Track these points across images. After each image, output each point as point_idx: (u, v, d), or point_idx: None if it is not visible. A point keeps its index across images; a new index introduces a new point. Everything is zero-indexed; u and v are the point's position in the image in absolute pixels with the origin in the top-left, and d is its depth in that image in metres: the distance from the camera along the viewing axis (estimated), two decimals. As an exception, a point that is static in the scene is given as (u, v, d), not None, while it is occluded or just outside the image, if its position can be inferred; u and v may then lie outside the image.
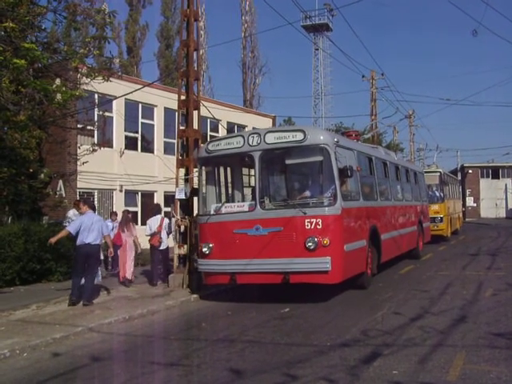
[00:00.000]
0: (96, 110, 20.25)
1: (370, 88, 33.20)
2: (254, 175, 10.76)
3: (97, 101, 21.06)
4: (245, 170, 13.03)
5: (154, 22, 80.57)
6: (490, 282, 12.10)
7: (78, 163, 18.78)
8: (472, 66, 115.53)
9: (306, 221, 10.04)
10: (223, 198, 11.95)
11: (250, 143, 10.62)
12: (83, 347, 7.81)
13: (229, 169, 12.36)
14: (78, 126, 18.03)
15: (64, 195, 19.81)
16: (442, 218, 23.85)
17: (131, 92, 15.06)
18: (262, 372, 6.09)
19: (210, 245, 10.77)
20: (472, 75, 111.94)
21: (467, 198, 59.31)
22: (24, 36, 11.84)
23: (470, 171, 62.29)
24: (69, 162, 19.46)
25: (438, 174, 25.17)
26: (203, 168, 11.56)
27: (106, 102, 20.69)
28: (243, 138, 10.78)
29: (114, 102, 21.41)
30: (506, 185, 62.17)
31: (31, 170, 17.38)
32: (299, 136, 10.33)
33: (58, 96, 12.75)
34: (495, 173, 63.25)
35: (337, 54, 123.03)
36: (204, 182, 11.57)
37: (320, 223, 9.97)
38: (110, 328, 8.88)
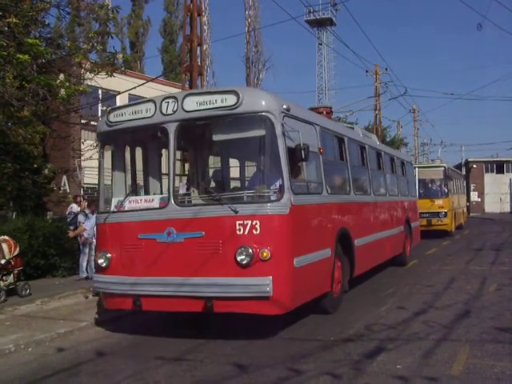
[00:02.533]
0: (100, 105, 20.28)
1: (374, 83, 33.14)
2: (168, 157, 7.74)
3: (100, 96, 21.09)
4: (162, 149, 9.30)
5: (157, 17, 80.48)
6: (494, 277, 12.07)
7: (82, 158, 18.81)
8: (476, 61, 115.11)
9: (238, 223, 7.05)
10: (130, 189, 8.72)
11: (164, 111, 7.66)
12: (87, 342, 7.84)
13: (139, 148, 9.09)
14: (82, 121, 18.08)
15: (68, 190, 19.86)
16: (446, 212, 23.79)
17: (135, 87, 15.07)
18: (266, 367, 6.10)
19: (108, 254, 7.88)
20: (476, 69, 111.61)
21: (471, 193, 59.18)
22: (27, 31, 11.83)
23: (475, 166, 62.14)
24: (73, 157, 19.50)
25: (443, 168, 25.09)
26: (104, 147, 8.61)
27: (110, 97, 20.71)
28: (154, 104, 7.79)
29: (118, 97, 21.41)
30: (510, 179, 61.97)
31: (35, 166, 17.43)
32: (230, 100, 7.26)
33: (62, 91, 12.76)
34: (500, 167, 63.07)
35: (340, 49, 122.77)
36: (105, 167, 8.60)
37: (257, 227, 6.99)
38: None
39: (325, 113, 11.40)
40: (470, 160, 61.99)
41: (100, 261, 7.97)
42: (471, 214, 48.94)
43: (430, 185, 25.24)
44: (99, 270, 8.12)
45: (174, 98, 7.68)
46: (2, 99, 11.01)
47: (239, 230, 7.05)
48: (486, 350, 6.39)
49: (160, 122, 7.70)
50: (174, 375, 6.14)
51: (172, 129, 7.59)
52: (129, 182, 8.81)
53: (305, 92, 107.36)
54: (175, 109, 7.60)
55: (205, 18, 24.42)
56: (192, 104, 7.51)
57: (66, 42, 13.18)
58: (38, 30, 12.80)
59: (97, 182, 8.91)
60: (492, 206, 61.67)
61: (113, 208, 8.16)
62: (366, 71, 32.82)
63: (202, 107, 7.46)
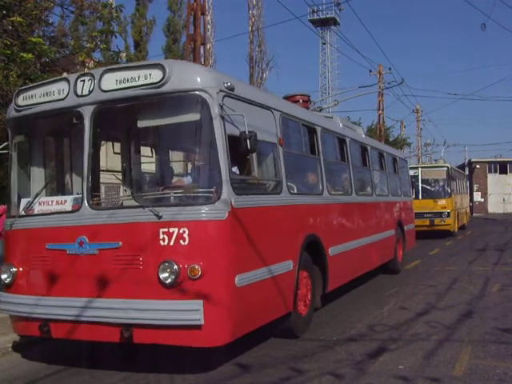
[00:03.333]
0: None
1: (378, 82, 33.10)
2: (83, 147, 6.21)
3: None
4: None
5: (161, 17, 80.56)
6: (497, 278, 12.06)
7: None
8: (479, 61, 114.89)
9: (162, 231, 5.62)
10: (42, 188, 6.93)
11: (78, 92, 6.22)
12: None
13: (53, 137, 7.54)
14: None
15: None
16: (449, 212, 23.77)
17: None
18: (268, 366, 6.10)
19: (13, 269, 6.40)
20: (479, 69, 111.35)
21: (474, 193, 59.16)
22: (31, 30, 11.84)
23: (478, 166, 62.09)
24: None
25: (446, 168, 25.08)
26: (14, 137, 7.02)
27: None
28: (68, 83, 6.35)
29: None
30: (513, 180, 61.86)
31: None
32: (156, 76, 5.84)
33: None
34: (503, 168, 63.01)
35: (344, 49, 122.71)
36: (16, 160, 7.01)
37: (186, 236, 5.56)
38: None
39: (301, 101, 9.95)
40: (473, 160, 61.93)
41: (3, 276, 6.43)
42: (474, 215, 48.92)
43: (433, 185, 25.22)
44: (4, 287, 6.53)
45: (91, 75, 6.21)
46: (5, 98, 11.02)
47: (163, 239, 5.61)
48: (488, 351, 6.38)
49: (74, 105, 6.25)
50: None
51: (87, 113, 6.15)
52: (42, 179, 7.09)
53: (309, 91, 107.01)
54: (91, 89, 6.15)
55: (208, 18, 24.49)
56: (111, 82, 6.08)
57: (69, 40, 13.18)
58: (41, 29, 12.82)
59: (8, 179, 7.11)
60: (495, 206, 61.62)
61: (21, 211, 6.58)
62: (370, 71, 32.81)
63: (122, 86, 6.03)
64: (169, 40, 46.04)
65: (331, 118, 11.03)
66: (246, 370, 6.04)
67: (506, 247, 19.44)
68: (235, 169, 6.27)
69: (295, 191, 7.60)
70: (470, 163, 61.62)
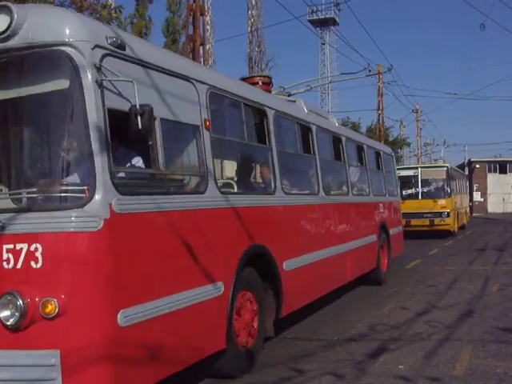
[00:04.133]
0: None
1: (377, 82, 33.15)
2: None
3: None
4: None
5: (160, 17, 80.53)
6: (497, 277, 12.06)
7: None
8: (479, 61, 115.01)
9: (5, 248, 3.93)
10: None
11: None
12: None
13: None
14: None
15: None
16: (448, 212, 23.77)
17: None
18: (268, 366, 6.10)
19: None
20: (479, 69, 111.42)
21: (474, 193, 59.13)
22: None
23: (478, 166, 62.07)
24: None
25: (445, 168, 25.09)
26: None
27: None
28: None
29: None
30: (513, 180, 61.89)
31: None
32: (1, 23, 4.09)
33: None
34: (503, 168, 63.00)
35: (343, 49, 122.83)
36: None
37: (39, 255, 3.86)
38: None
39: (260, 83, 8.44)
40: (472, 160, 61.91)
41: None
42: (474, 214, 48.91)
43: (432, 185, 25.23)
44: None
45: None
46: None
47: (7, 260, 3.90)
48: (488, 351, 6.39)
49: None
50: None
51: None
52: None
53: (308, 91, 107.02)
54: None
55: (208, 18, 24.50)
56: None
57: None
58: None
59: None
60: (495, 206, 61.60)
61: None
62: (369, 70, 32.72)
63: None
64: (168, 40, 46.09)
65: (294, 101, 8.98)
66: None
67: (506, 247, 19.44)
68: (137, 160, 4.86)
69: (233, 190, 6.06)
70: (470, 163, 61.60)
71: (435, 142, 54.35)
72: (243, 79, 8.43)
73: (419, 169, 25.08)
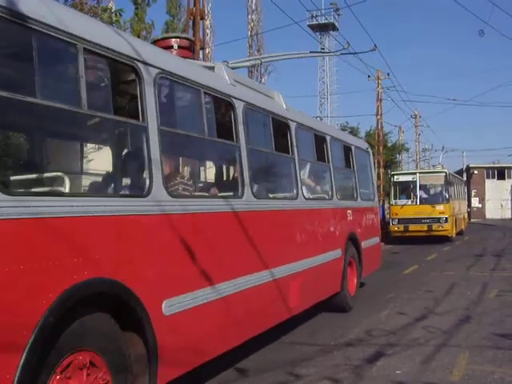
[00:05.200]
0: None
1: (376, 88, 33.19)
2: None
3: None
4: None
5: (160, 20, 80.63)
6: (495, 283, 12.07)
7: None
8: (478, 67, 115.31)
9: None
10: None
11: None
12: None
13: None
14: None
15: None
16: (446, 218, 23.81)
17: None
18: (266, 371, 6.10)
19: None
20: (478, 75, 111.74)
21: (472, 199, 59.24)
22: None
23: (476, 172, 62.20)
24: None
25: (444, 174, 25.14)
26: None
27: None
28: None
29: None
30: (511, 186, 62.00)
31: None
32: None
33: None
34: (501, 174, 63.14)
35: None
36: None
37: None
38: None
39: (176, 47, 6.53)
40: (471, 166, 62.02)
41: None
42: (472, 220, 48.95)
43: (430, 190, 25.28)
44: None
45: None
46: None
47: None
48: (485, 356, 6.39)
49: None
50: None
51: None
52: None
53: (307, 96, 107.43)
54: None
55: (208, 22, 24.52)
56: None
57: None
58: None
59: None
60: (493, 212, 61.69)
61: None
62: (368, 76, 32.84)
63: None
64: (168, 44, 46.12)
65: (212, 67, 6.49)
66: (244, 374, 6.04)
67: (504, 253, 19.45)
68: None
69: (64, 189, 3.82)
70: (468, 169, 61.69)
71: (434, 148, 54.43)
72: (154, 42, 6.73)
73: (418, 174, 25.14)
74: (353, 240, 9.73)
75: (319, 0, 60.35)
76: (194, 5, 14.46)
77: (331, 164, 9.13)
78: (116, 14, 12.20)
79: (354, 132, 52.87)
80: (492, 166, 63.01)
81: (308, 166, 8.41)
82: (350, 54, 13.28)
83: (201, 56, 13.69)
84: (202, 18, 14.66)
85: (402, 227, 24.22)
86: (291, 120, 7.63)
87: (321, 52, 10.81)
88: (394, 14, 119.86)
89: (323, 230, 8.52)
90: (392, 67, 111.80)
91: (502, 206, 62.27)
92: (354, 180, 10.57)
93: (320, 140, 8.90)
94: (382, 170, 33.22)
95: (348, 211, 9.70)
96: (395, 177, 25.91)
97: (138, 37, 41.85)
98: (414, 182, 24.56)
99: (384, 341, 7.29)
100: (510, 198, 62.32)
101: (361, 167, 11.14)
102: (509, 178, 62.78)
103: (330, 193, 9.07)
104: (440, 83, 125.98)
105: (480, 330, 7.71)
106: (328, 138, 9.15)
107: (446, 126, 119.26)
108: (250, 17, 34.69)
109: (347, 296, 9.31)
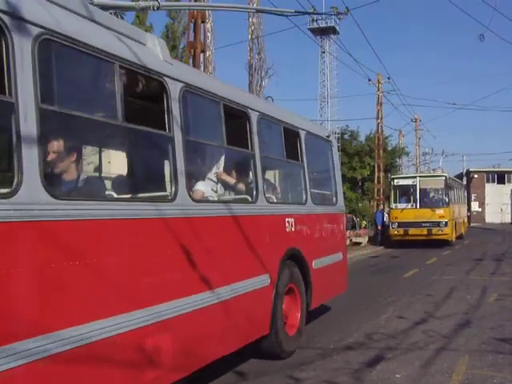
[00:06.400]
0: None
1: (377, 92, 33.23)
2: None
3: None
4: None
5: (160, 23, 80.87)
6: (495, 287, 12.06)
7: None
8: (478, 71, 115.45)
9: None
10: None
11: None
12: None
13: None
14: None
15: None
16: (446, 222, 23.81)
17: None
18: (265, 374, 6.10)
19: None
20: (478, 79, 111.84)
21: (472, 203, 59.29)
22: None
23: (476, 176, 62.29)
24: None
25: (443, 178, 25.16)
26: None
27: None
28: None
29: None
30: (511, 190, 62.05)
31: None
32: None
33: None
34: (501, 178, 63.22)
35: (343, 57, 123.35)
36: None
37: None
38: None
39: None
40: (471, 170, 62.09)
41: None
42: (472, 224, 48.95)
43: (430, 194, 25.30)
44: None
45: None
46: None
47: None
48: (485, 361, 6.39)
49: None
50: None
51: None
52: None
53: (307, 100, 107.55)
54: None
55: (208, 25, 24.53)
56: None
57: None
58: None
59: None
60: (493, 216, 61.74)
61: None
62: (369, 80, 32.87)
63: None
64: (168, 47, 46.24)
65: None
66: (244, 377, 6.04)
67: (504, 257, 19.45)
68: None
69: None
70: (468, 173, 61.75)
71: (434, 152, 54.56)
72: None
73: (418, 178, 25.15)
74: (295, 259, 7.19)
75: (320, 3, 60.50)
76: (195, 8, 14.47)
77: (257, 152, 6.40)
78: (117, 17, 12.20)
79: (354, 136, 52.97)
80: (492, 170, 63.09)
81: (213, 150, 6.28)
82: (308, 13, 10.93)
83: (201, 59, 13.69)
84: (203, 21, 14.69)
85: (401, 231, 24.22)
86: (179, 81, 5.08)
87: (271, 11, 8.78)
88: (394, 18, 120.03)
89: (234, 249, 5.79)
90: (392, 71, 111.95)
91: (501, 210, 62.33)
92: (303, 177, 7.88)
93: (237, 115, 6.26)
94: (382, 174, 33.24)
95: (287, 219, 7.05)
96: (395, 180, 25.92)
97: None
98: (414, 186, 24.57)
99: (384, 345, 7.28)
100: (509, 202, 62.38)
101: (316, 160, 8.72)
102: (509, 182, 62.87)
103: (254, 193, 6.32)
104: (440, 87, 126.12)
105: (480, 334, 7.71)
106: (253, 115, 6.45)
107: (446, 130, 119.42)
108: (250, 20, 34.71)
109: (282, 338, 6.65)
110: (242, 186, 6.58)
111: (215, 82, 6.63)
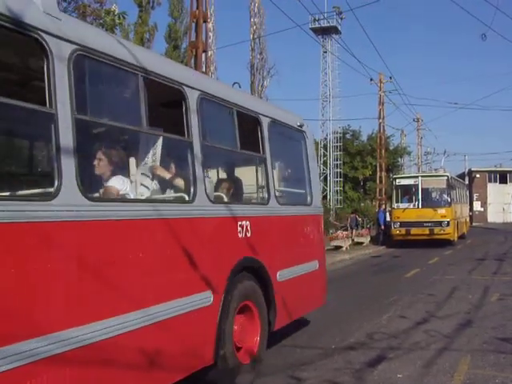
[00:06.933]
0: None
1: (378, 91, 33.20)
2: None
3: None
4: None
5: (162, 23, 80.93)
6: (497, 287, 12.04)
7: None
8: (480, 70, 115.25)
9: None
10: None
11: None
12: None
13: None
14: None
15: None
16: (448, 222, 23.79)
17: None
18: (267, 374, 6.09)
19: None
20: (480, 79, 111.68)
21: (474, 203, 59.24)
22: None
23: (478, 175, 62.23)
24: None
25: (445, 178, 25.14)
26: None
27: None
28: None
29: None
30: (513, 189, 62.00)
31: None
32: None
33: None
34: (503, 177, 63.16)
35: (345, 57, 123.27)
36: None
37: None
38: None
39: None
40: (473, 169, 62.03)
41: None
42: (474, 224, 48.86)
43: (432, 194, 25.28)
44: None
45: None
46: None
47: None
48: (487, 361, 6.38)
49: None
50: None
51: None
52: None
53: (309, 100, 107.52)
54: None
55: (210, 25, 24.54)
56: None
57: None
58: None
59: None
60: (495, 215, 61.67)
61: None
62: (371, 79, 32.84)
63: None
64: (169, 47, 46.23)
65: None
66: (245, 377, 6.03)
67: (506, 257, 19.42)
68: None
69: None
70: (470, 172, 61.68)
71: (436, 152, 54.42)
72: None
73: (419, 178, 25.12)
74: (253, 271, 6.04)
75: (322, 3, 60.44)
76: (197, 7, 14.48)
77: (196, 139, 5.18)
78: (119, 17, 12.21)
79: (355, 135, 52.87)
80: (494, 169, 63.01)
81: (116, 136, 5.07)
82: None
83: (203, 59, 13.69)
84: (205, 21, 14.68)
85: (403, 231, 24.20)
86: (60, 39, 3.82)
87: None
88: (396, 18, 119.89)
89: (159, 261, 4.60)
90: (394, 71, 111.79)
91: (503, 209, 62.23)
92: (264, 172, 6.62)
93: (171, 92, 5.11)
94: (383, 174, 33.22)
95: (241, 223, 5.83)
96: (397, 180, 25.90)
97: (142, 39, 42.02)
98: (416, 186, 24.55)
99: (385, 344, 7.27)
100: (511, 201, 62.28)
101: (284, 153, 7.78)
102: (511, 181, 62.79)
103: (192, 190, 5.11)
104: (442, 87, 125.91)
105: (481, 334, 7.69)
106: (190, 94, 5.18)
107: (447, 130, 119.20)
108: (252, 20, 34.69)
109: (233, 368, 5.55)
110: (176, 182, 5.35)
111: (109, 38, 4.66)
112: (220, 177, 6.86)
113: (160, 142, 5.11)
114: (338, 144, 49.53)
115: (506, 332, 7.77)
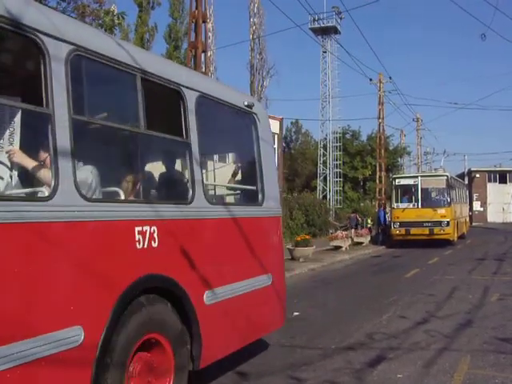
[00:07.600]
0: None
1: (378, 91, 33.21)
2: None
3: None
4: None
5: (162, 24, 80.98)
6: (497, 287, 12.04)
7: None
8: (479, 70, 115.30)
9: None
10: None
11: None
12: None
13: None
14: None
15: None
16: (448, 221, 23.79)
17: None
18: (266, 375, 6.08)
19: None
20: (479, 79, 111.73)
21: (474, 203, 59.27)
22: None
23: (478, 175, 62.26)
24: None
25: (445, 177, 25.14)
26: None
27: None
28: None
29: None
30: (513, 189, 62.02)
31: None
32: None
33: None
34: (503, 177, 63.18)
35: (345, 57, 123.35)
36: None
37: None
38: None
39: None
40: (472, 169, 62.04)
41: None
42: (473, 224, 48.88)
43: (432, 194, 25.28)
44: None
45: None
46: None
47: None
48: (487, 361, 6.37)
49: None
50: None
51: None
52: None
53: (308, 100, 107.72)
54: None
55: (210, 25, 24.56)
56: None
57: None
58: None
59: None
60: (494, 215, 61.70)
61: None
62: (370, 79, 32.85)
63: None
64: (170, 47, 46.22)
65: None
66: (245, 378, 6.02)
67: (506, 257, 19.42)
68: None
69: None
70: (470, 172, 61.69)
71: (435, 151, 54.54)
72: None
73: (419, 178, 25.12)
74: (164, 292, 4.60)
75: (321, 3, 60.55)
76: (197, 8, 14.48)
77: (59, 111, 3.66)
78: (118, 17, 12.19)
79: (355, 135, 52.89)
80: (494, 169, 63.05)
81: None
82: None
83: (202, 59, 13.69)
84: (204, 21, 14.67)
85: (403, 231, 24.20)
86: None
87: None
88: (395, 18, 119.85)
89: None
90: (393, 71, 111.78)
91: (503, 209, 62.26)
92: (188, 162, 5.16)
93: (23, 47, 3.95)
94: (383, 174, 33.23)
95: (140, 229, 4.32)
96: (397, 180, 25.90)
97: (141, 39, 41.91)
98: (416, 186, 24.55)
99: (385, 344, 7.26)
100: (511, 201, 62.28)
101: (222, 139, 6.83)
102: (510, 181, 62.85)
103: (53, 183, 3.62)
104: (441, 87, 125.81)
105: (481, 334, 7.69)
106: (56, 47, 3.71)
107: (447, 130, 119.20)
108: (251, 20, 34.69)
109: None
110: (27, 172, 3.99)
111: None
112: (107, 166, 4.76)
113: (18, 117, 3.90)
114: (338, 144, 49.61)
115: (506, 332, 7.76)
